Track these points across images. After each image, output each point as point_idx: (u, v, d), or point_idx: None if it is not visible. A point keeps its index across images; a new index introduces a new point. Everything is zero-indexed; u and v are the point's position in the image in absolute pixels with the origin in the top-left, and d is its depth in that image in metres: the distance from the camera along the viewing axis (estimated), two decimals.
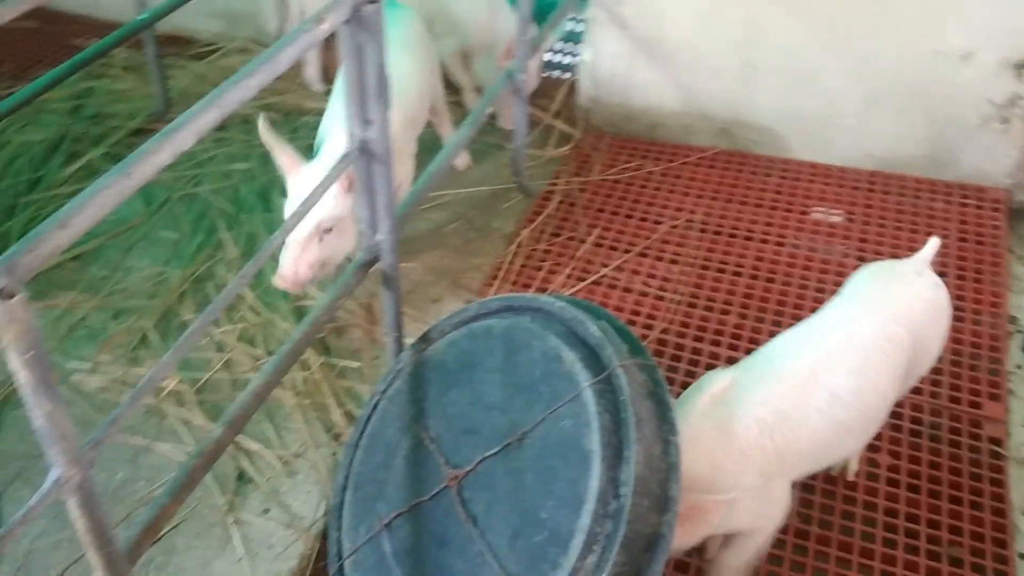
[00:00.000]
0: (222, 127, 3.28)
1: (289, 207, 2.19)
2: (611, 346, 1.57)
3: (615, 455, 1.45)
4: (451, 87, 3.27)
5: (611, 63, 3.22)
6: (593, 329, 1.62)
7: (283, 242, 2.08)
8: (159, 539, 1.93)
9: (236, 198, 2.92)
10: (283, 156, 2.17)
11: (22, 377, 1.08)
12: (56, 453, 1.16)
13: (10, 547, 1.89)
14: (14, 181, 2.89)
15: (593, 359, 1.58)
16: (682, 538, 1.56)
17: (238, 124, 3.26)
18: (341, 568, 1.71)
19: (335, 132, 2.26)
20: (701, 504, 1.53)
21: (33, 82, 2.63)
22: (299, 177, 2.18)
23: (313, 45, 1.57)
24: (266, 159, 3.02)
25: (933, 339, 1.93)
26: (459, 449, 1.66)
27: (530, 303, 1.78)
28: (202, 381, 2.29)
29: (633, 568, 1.41)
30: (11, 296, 1.02)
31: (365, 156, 1.82)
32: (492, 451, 1.60)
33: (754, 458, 1.64)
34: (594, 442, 1.46)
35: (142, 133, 3.20)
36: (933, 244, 2.00)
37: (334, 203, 2.16)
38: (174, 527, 1.97)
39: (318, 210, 2.05)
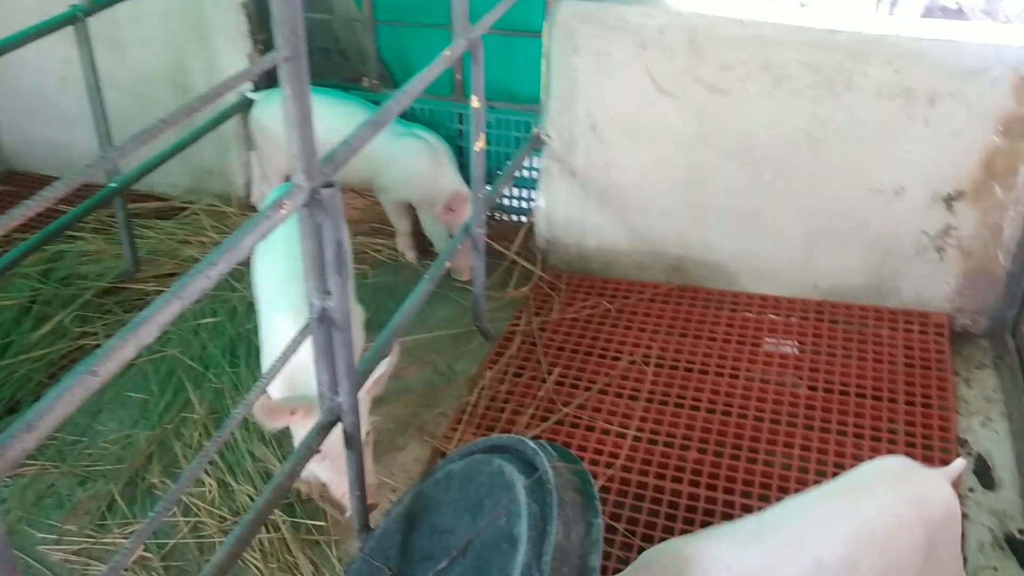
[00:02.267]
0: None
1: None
2: (543, 454, 1.78)
3: (540, 535, 1.63)
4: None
5: (565, 208, 3.38)
6: (530, 445, 1.82)
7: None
8: None
9: (203, 356, 2.98)
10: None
11: None
12: None
13: None
14: None
15: (530, 468, 1.78)
16: None
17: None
18: None
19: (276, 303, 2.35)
20: None
21: (6, 253, 2.73)
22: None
23: (272, 229, 1.67)
24: (233, 312, 3.11)
25: (951, 553, 1.81)
26: (414, 573, 1.84)
27: (487, 442, 2.02)
28: (168, 547, 2.30)
29: None
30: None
31: (325, 324, 1.90)
32: (441, 565, 1.76)
33: None
34: (523, 528, 1.65)
35: (111, 293, 3.27)
36: (960, 464, 1.88)
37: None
38: None
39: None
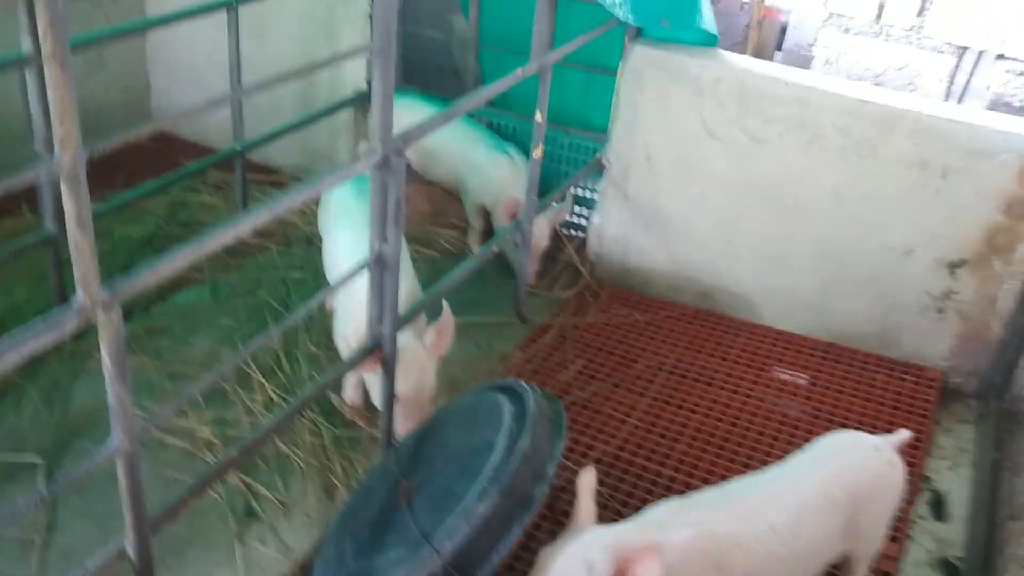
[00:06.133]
0: (289, 243, 3.94)
1: None
2: (531, 392, 2.20)
3: (512, 445, 2.05)
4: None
5: (615, 227, 3.82)
6: (523, 385, 2.26)
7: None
8: (175, 549, 2.41)
9: (287, 299, 3.51)
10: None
11: (107, 367, 1.62)
12: (118, 426, 1.68)
13: (58, 539, 2.40)
14: (111, 263, 3.54)
15: (520, 402, 2.21)
16: None
17: (302, 241, 3.90)
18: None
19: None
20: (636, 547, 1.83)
21: (137, 187, 3.32)
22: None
23: (349, 177, 2.17)
24: (318, 273, 3.64)
25: (877, 511, 2.24)
26: (417, 474, 2.27)
27: (493, 383, 2.47)
28: (231, 435, 2.81)
29: (506, 514, 1.93)
30: (111, 307, 1.58)
31: (379, 264, 2.39)
32: (436, 466, 2.20)
33: (701, 564, 1.94)
34: (500, 439, 2.08)
35: None
36: (903, 434, 2.34)
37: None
38: (188, 543, 2.45)
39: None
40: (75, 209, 1.46)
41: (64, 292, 3.10)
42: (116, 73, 4.60)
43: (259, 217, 1.90)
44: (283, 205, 1.96)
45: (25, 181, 1.49)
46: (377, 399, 2.71)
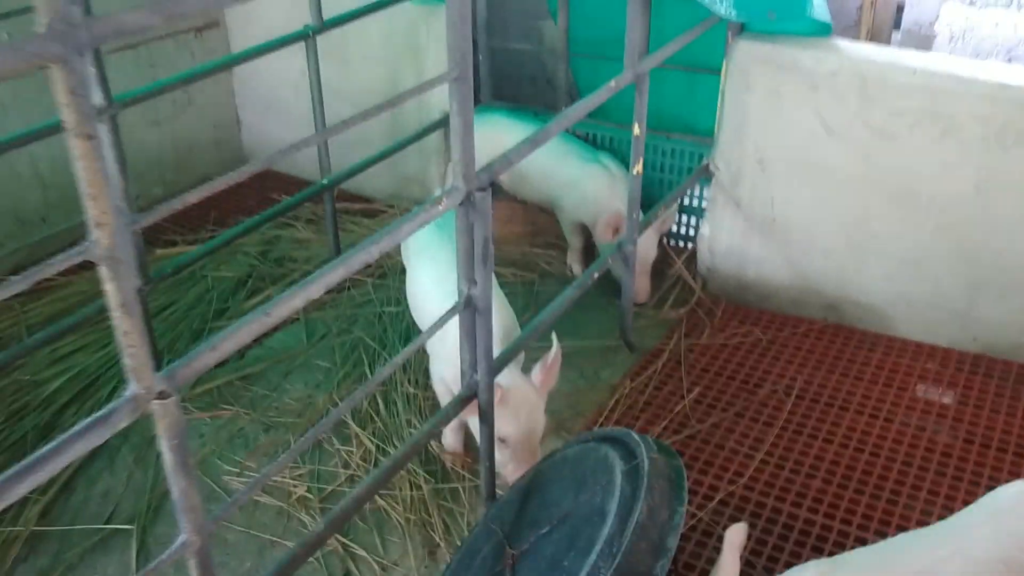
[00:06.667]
0: (382, 275, 3.79)
1: None
2: (644, 445, 1.99)
3: (627, 513, 1.83)
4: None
5: (727, 237, 3.53)
6: (635, 437, 2.03)
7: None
8: None
9: (383, 337, 3.36)
10: None
11: (167, 459, 1.46)
12: (185, 521, 1.53)
13: None
14: (205, 309, 3.46)
15: (632, 457, 1.98)
16: None
17: (399, 273, 3.74)
18: None
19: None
20: None
21: (230, 228, 3.22)
22: None
23: (430, 221, 1.97)
24: None
25: None
26: (522, 537, 2.08)
27: (601, 433, 2.27)
28: (327, 492, 2.66)
29: None
30: (168, 397, 1.42)
31: (470, 309, 2.19)
32: (543, 531, 2.00)
33: None
34: (613, 505, 1.86)
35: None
36: None
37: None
38: None
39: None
40: (119, 293, 1.30)
41: (158, 353, 3.02)
42: (205, 111, 4.56)
43: (333, 275, 1.72)
44: (362, 258, 1.77)
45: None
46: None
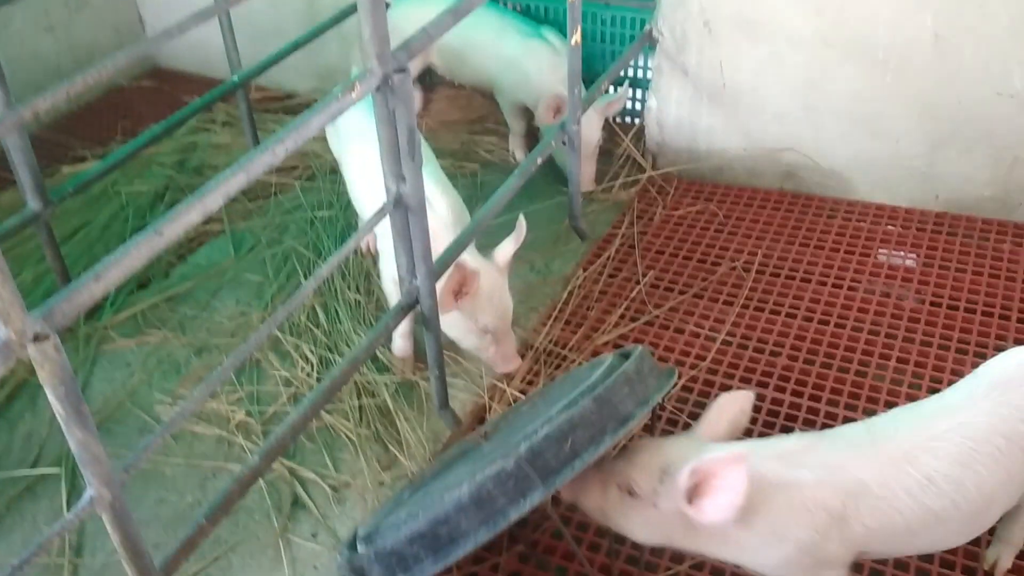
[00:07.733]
0: (311, 177, 3.54)
1: None
2: (638, 349, 1.83)
3: (614, 370, 1.73)
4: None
5: (676, 109, 3.31)
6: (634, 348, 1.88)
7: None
8: (218, 559, 2.11)
9: (317, 244, 3.13)
10: None
11: (57, 409, 1.26)
12: (89, 475, 1.34)
13: (87, 560, 2.13)
14: (122, 228, 3.20)
15: (624, 356, 1.86)
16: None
17: (328, 174, 3.48)
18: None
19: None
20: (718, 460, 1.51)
21: (139, 136, 2.93)
22: None
23: (341, 112, 1.74)
24: (349, 208, 3.24)
25: None
26: (498, 430, 2.01)
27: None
28: (269, 414, 2.48)
29: (598, 425, 1.61)
30: (45, 339, 1.20)
31: (401, 208, 1.98)
32: (523, 414, 1.94)
33: (814, 514, 1.58)
34: (600, 370, 1.76)
35: None
36: None
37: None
38: (232, 548, 2.15)
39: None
40: None
41: (66, 272, 2.77)
42: (102, 12, 4.16)
43: (232, 182, 1.49)
44: (265, 160, 1.55)
45: None
46: (463, 339, 2.44)
